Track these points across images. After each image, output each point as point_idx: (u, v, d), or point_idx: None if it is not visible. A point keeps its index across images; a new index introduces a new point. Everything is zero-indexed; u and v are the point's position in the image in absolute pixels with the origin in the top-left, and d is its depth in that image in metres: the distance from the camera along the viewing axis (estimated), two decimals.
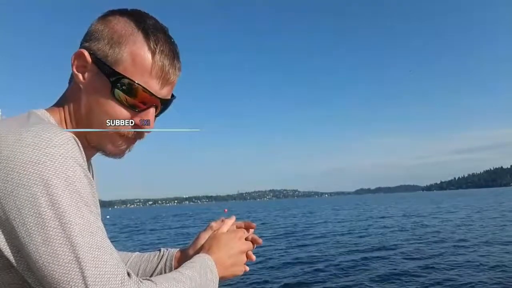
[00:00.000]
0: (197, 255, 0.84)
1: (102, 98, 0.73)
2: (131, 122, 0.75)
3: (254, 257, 0.96)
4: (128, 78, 0.71)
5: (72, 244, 0.54)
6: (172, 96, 0.80)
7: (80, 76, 0.73)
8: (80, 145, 0.63)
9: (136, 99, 0.73)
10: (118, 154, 0.80)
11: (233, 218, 0.99)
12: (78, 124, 0.76)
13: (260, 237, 0.97)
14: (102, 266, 0.55)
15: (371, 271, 7.42)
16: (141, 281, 0.61)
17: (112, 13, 0.76)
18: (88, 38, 0.75)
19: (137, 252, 1.04)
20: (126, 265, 0.97)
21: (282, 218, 26.16)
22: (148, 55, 0.72)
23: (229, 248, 0.89)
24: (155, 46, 0.73)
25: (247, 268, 0.95)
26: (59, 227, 0.54)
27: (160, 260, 0.97)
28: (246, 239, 0.95)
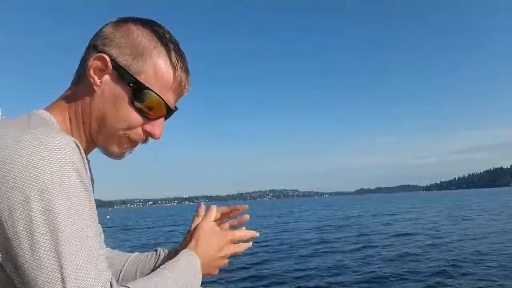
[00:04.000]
0: (182, 252, 0.84)
1: (120, 104, 0.76)
2: (144, 129, 0.80)
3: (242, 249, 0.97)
4: (151, 90, 0.76)
5: (58, 252, 0.54)
6: (175, 107, 0.85)
7: (97, 79, 0.75)
8: (80, 147, 0.63)
9: (153, 109, 0.78)
10: (120, 156, 0.83)
11: (214, 209, 0.98)
12: (85, 124, 0.78)
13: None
14: (83, 278, 0.55)
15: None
16: None
17: (133, 21, 0.78)
18: (107, 43, 0.76)
19: (136, 253, 1.05)
20: (124, 266, 0.99)
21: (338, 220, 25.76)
22: (170, 70, 0.78)
23: (215, 249, 0.89)
24: (176, 62, 0.78)
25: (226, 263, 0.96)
26: (48, 233, 0.54)
27: (158, 260, 0.98)
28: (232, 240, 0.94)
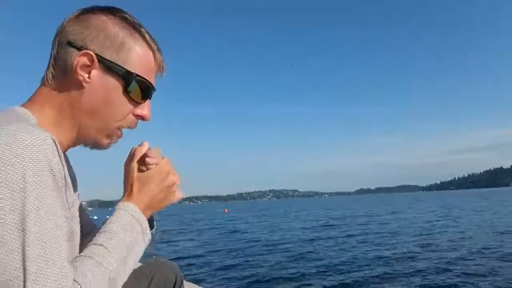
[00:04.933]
0: (118, 207, 0.80)
1: (114, 96, 0.77)
2: (135, 114, 0.82)
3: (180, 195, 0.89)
4: (140, 76, 0.79)
5: (23, 252, 0.54)
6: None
7: (86, 76, 0.75)
8: (57, 143, 0.62)
9: (143, 94, 0.81)
10: (107, 147, 0.83)
11: (145, 145, 0.87)
12: (73, 119, 0.77)
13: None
14: (42, 280, 0.54)
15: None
16: None
17: (100, 11, 0.78)
18: (84, 38, 0.75)
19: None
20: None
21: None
22: (150, 53, 0.81)
23: (153, 187, 0.83)
24: (153, 45, 0.81)
25: (180, 195, 0.89)
26: (16, 233, 0.54)
27: None
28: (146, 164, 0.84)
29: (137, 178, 0.83)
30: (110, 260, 0.69)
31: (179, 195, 0.89)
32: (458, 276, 6.25)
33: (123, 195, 0.84)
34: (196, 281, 4.96)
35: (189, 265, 8.35)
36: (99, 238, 0.72)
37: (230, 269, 7.64)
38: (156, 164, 0.85)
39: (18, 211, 0.54)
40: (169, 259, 1.21)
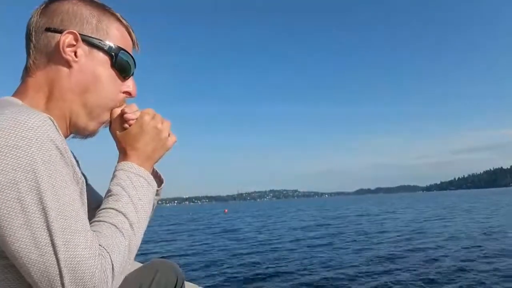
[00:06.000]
0: (116, 169, 0.79)
1: (103, 71, 0.79)
2: (122, 91, 0.84)
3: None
4: (125, 50, 0.81)
5: (49, 228, 0.57)
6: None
7: (73, 55, 0.76)
8: (56, 124, 0.64)
9: (129, 69, 0.83)
10: (95, 134, 0.84)
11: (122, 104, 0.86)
12: (65, 103, 0.76)
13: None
14: (73, 250, 0.58)
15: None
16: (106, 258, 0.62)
17: None
18: (62, 21, 0.76)
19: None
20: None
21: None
22: (125, 30, 0.84)
23: (146, 141, 0.82)
24: (125, 22, 0.84)
25: (173, 139, 0.88)
26: (38, 212, 0.57)
27: None
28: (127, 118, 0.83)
29: (121, 137, 0.83)
30: (123, 219, 0.70)
31: (172, 139, 0.87)
32: (430, 275, 6.24)
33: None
34: (196, 281, 4.97)
35: (186, 264, 8.36)
36: (108, 202, 0.73)
37: (230, 269, 7.64)
38: (136, 118, 0.84)
39: (35, 191, 0.57)
40: (168, 259, 1.21)
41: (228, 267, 7.87)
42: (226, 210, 54.57)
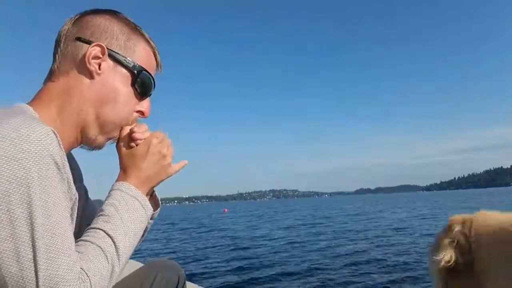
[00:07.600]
0: (112, 188, 0.80)
1: (122, 88, 0.80)
2: (136, 110, 0.86)
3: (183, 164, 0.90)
4: (146, 71, 0.83)
5: (34, 244, 0.56)
6: None
7: (97, 67, 0.78)
8: (59, 138, 0.63)
9: (147, 89, 0.85)
10: (102, 146, 0.85)
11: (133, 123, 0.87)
12: (81, 112, 0.78)
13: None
14: (54, 269, 0.57)
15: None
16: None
17: (103, 12, 0.83)
18: (92, 33, 0.79)
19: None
20: None
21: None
22: (151, 52, 0.87)
23: (145, 162, 0.83)
24: (153, 44, 0.87)
25: (176, 167, 0.88)
26: (25, 225, 0.56)
27: None
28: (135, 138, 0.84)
29: (125, 155, 0.84)
30: (110, 243, 0.70)
31: (175, 166, 0.88)
32: (397, 274, 6.31)
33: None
34: (196, 281, 4.94)
35: (186, 265, 8.29)
36: (98, 222, 0.73)
37: (230, 269, 7.62)
38: (144, 139, 0.85)
39: (26, 204, 0.56)
40: (169, 259, 1.19)
41: (228, 267, 7.80)
42: (225, 210, 53.71)
